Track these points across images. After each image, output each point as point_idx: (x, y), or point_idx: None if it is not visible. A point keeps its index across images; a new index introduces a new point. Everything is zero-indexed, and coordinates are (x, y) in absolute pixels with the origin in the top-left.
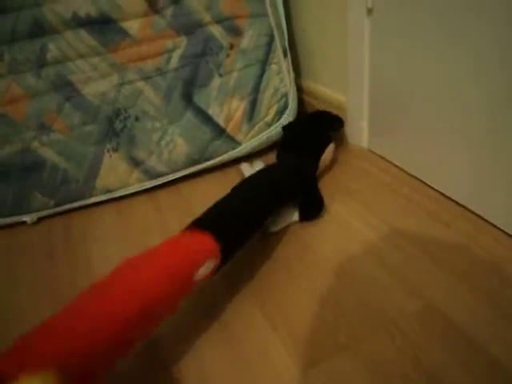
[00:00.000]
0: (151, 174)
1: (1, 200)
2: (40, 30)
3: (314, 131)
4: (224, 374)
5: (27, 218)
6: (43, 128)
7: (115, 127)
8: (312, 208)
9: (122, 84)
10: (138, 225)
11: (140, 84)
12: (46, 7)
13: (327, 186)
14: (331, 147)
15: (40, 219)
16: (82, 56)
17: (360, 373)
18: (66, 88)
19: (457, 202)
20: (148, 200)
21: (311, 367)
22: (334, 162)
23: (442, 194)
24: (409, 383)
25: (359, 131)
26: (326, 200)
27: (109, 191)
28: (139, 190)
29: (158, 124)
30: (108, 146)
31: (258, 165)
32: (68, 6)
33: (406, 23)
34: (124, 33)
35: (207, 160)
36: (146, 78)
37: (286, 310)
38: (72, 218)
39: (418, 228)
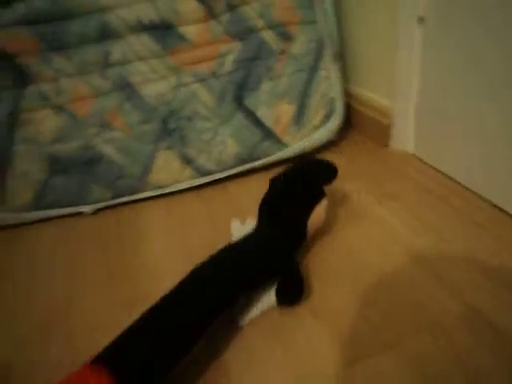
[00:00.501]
0: (201, 172)
1: (63, 191)
2: (106, 34)
3: (305, 184)
4: (272, 358)
5: (86, 209)
6: (104, 126)
7: (169, 127)
8: (290, 291)
9: (178, 86)
10: (186, 220)
11: (195, 86)
12: (113, 13)
13: (372, 191)
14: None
15: (96, 211)
16: (142, 59)
17: (403, 371)
18: (126, 88)
19: (506, 212)
20: (197, 197)
21: (356, 362)
22: (377, 168)
23: (490, 202)
24: None
25: (404, 136)
26: (372, 204)
27: (160, 187)
28: (189, 186)
29: (209, 124)
30: (162, 144)
31: (250, 223)
32: (133, 12)
33: (457, 34)
34: (182, 37)
35: (255, 160)
36: (201, 80)
37: (333, 309)
38: (126, 211)
39: (465, 236)
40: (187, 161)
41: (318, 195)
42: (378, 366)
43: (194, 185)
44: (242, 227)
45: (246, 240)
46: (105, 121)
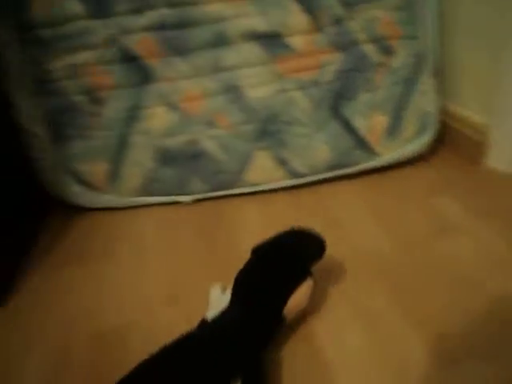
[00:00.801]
0: (294, 174)
1: (168, 180)
2: (221, 41)
3: (288, 259)
4: (361, 351)
5: (186, 199)
6: (210, 124)
7: (268, 129)
8: None
9: (280, 91)
10: (277, 218)
11: (295, 93)
12: (229, 23)
13: (470, 208)
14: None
15: (194, 201)
16: (250, 65)
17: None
18: (233, 91)
19: None
20: (289, 197)
21: (451, 364)
22: (468, 184)
23: None
24: None
25: (501, 154)
26: (462, 219)
27: (254, 184)
28: (281, 186)
29: (306, 130)
30: (260, 144)
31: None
32: (247, 23)
33: None
34: (288, 47)
35: (346, 167)
36: (302, 87)
37: (429, 315)
38: (220, 204)
39: None
40: (282, 162)
41: (303, 274)
42: (471, 372)
43: (286, 185)
44: (221, 296)
45: (210, 328)
46: (211, 119)
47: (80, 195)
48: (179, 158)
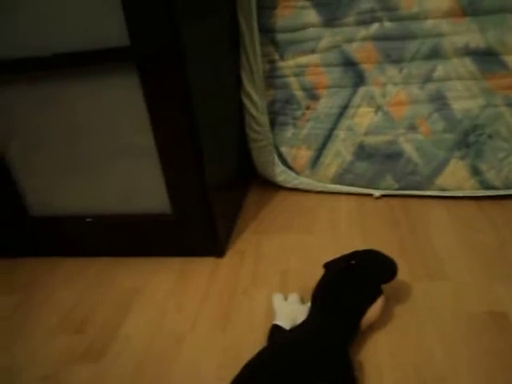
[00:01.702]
0: (485, 186)
1: (362, 173)
2: (435, 54)
3: (362, 279)
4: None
5: (376, 193)
6: (411, 128)
7: (468, 139)
8: None
9: (486, 105)
10: (466, 223)
11: (503, 109)
12: (446, 38)
13: None
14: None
15: (382, 196)
16: (460, 78)
17: None
18: (439, 101)
19: None
20: (476, 208)
21: None
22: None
23: None
24: None
25: None
26: None
27: (443, 190)
28: (470, 195)
29: (506, 145)
30: (457, 153)
31: (293, 298)
32: (463, 39)
33: None
34: (503, 65)
35: None
36: (510, 105)
37: None
38: (407, 202)
39: None
40: (476, 172)
41: (376, 293)
42: None
43: (475, 195)
44: (284, 303)
45: (299, 335)
46: (413, 124)
47: (283, 175)
48: (376, 155)
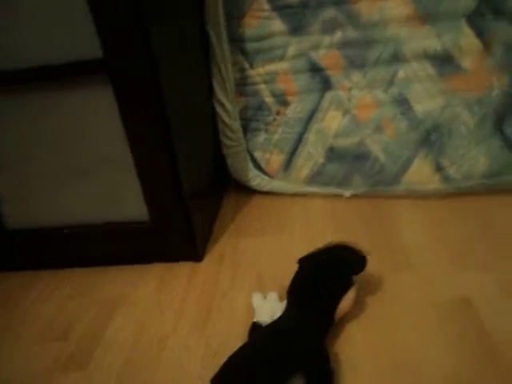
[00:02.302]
0: (448, 181)
1: (332, 175)
2: (396, 58)
3: (334, 271)
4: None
5: (347, 193)
6: (378, 129)
7: (430, 138)
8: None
9: (445, 106)
10: (435, 219)
11: (459, 109)
12: (406, 44)
13: None
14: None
15: (352, 196)
16: (420, 81)
17: None
18: (402, 103)
19: None
20: (442, 203)
21: None
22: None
23: None
24: None
25: None
26: None
27: (410, 187)
28: (435, 191)
29: (465, 143)
30: (421, 151)
31: (272, 296)
32: (422, 44)
33: None
34: (458, 67)
35: (501, 176)
36: (467, 105)
37: None
38: (376, 201)
39: None
40: (439, 168)
41: (347, 284)
42: None
43: (440, 191)
44: (263, 302)
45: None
46: (379, 126)
47: (256, 179)
48: (346, 157)
